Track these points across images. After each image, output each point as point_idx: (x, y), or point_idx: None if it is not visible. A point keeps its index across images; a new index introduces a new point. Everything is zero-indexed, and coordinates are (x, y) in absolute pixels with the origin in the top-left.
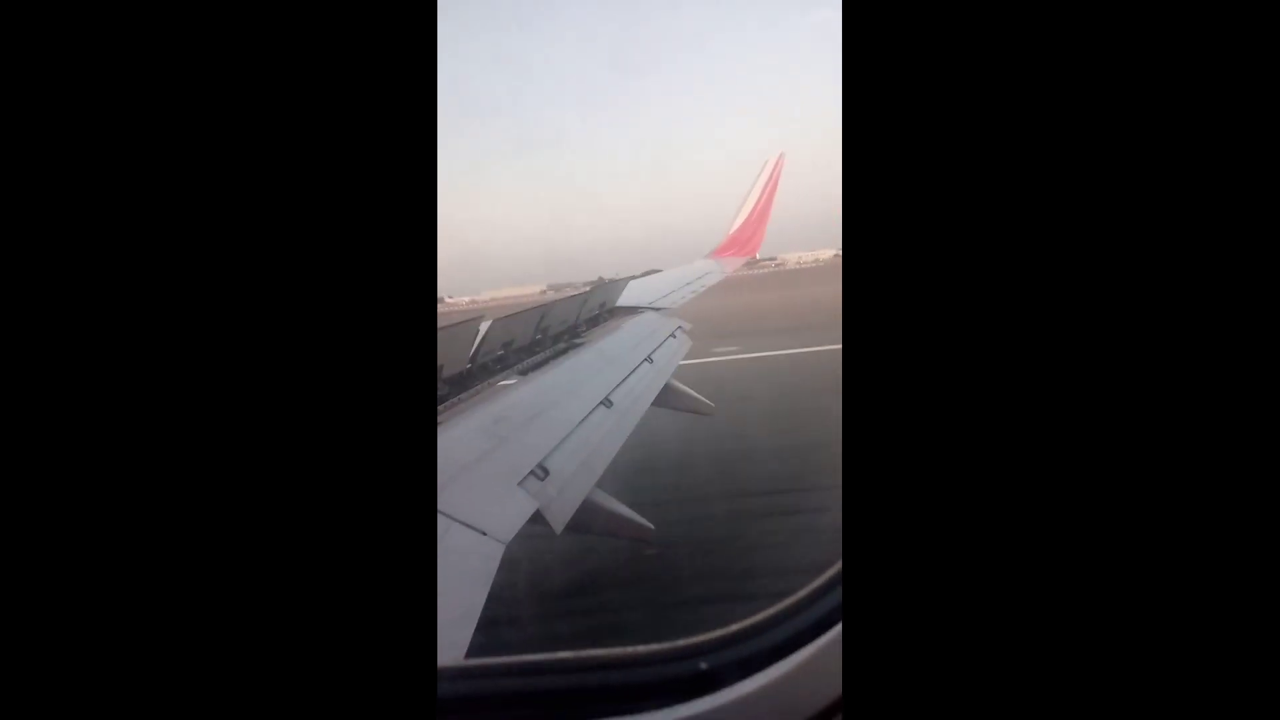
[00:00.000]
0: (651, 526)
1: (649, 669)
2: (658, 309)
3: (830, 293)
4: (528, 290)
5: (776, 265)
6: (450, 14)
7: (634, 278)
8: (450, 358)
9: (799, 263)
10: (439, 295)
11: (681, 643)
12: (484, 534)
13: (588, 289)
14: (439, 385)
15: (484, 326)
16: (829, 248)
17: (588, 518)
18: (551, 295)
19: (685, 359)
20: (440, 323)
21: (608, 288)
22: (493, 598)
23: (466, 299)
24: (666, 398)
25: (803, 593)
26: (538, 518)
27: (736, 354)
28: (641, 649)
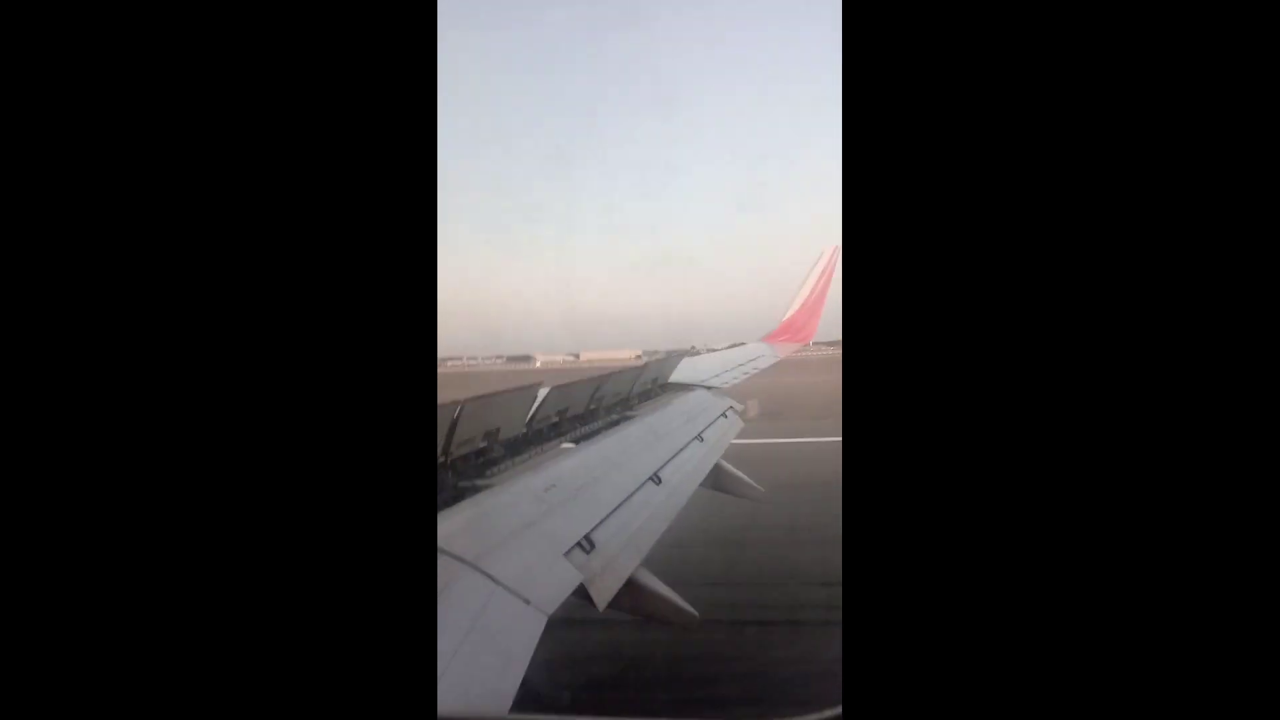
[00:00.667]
0: (696, 614)
1: None
2: (710, 388)
3: None
4: (622, 353)
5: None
6: (557, 87)
7: (687, 354)
8: (508, 421)
9: None
10: (549, 354)
11: None
12: (528, 602)
13: (666, 357)
14: (495, 447)
15: (542, 392)
16: None
17: (631, 597)
18: (643, 359)
19: (736, 439)
20: (546, 379)
21: (661, 363)
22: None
23: (560, 357)
24: (716, 478)
25: None
26: (581, 591)
27: (790, 439)
28: None
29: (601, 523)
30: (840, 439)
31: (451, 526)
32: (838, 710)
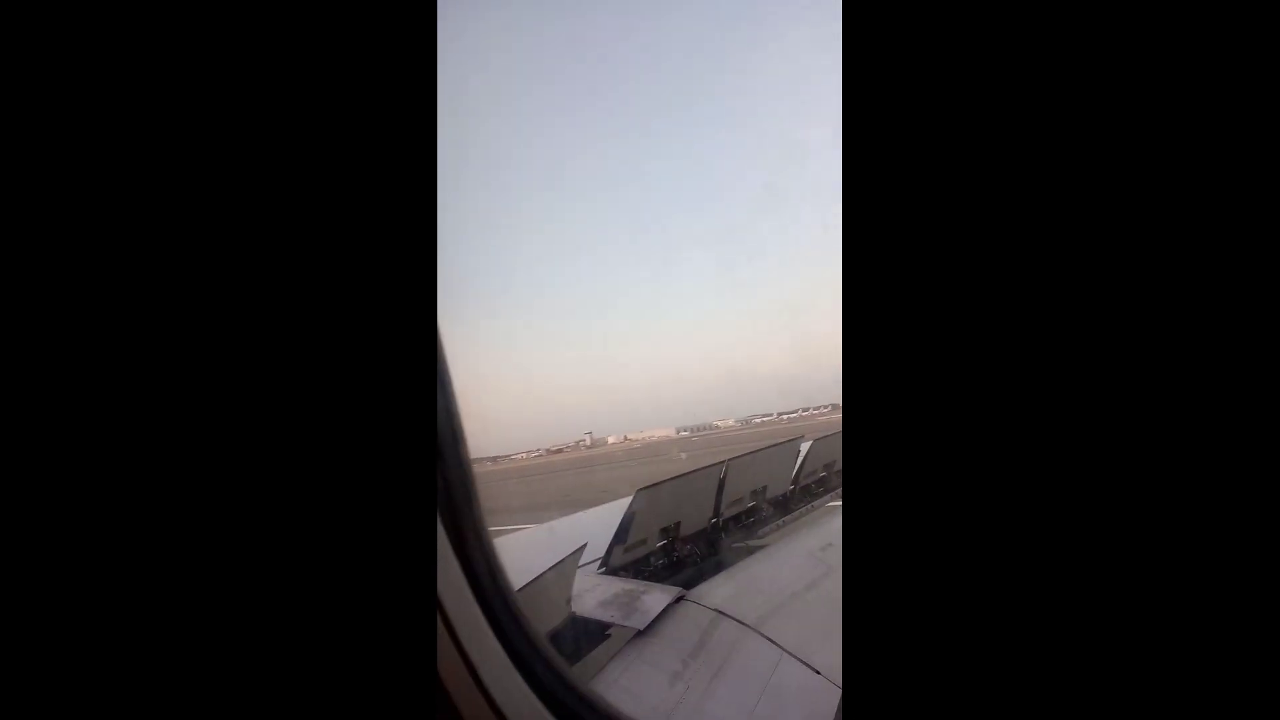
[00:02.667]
0: None
1: None
2: None
3: None
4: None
5: None
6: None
7: None
8: (773, 478)
9: None
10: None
11: None
12: (818, 672)
13: None
14: (764, 506)
15: (804, 447)
16: None
17: None
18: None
19: None
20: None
21: None
22: None
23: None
24: None
25: None
26: None
27: None
28: None
29: None
30: None
31: (730, 588)
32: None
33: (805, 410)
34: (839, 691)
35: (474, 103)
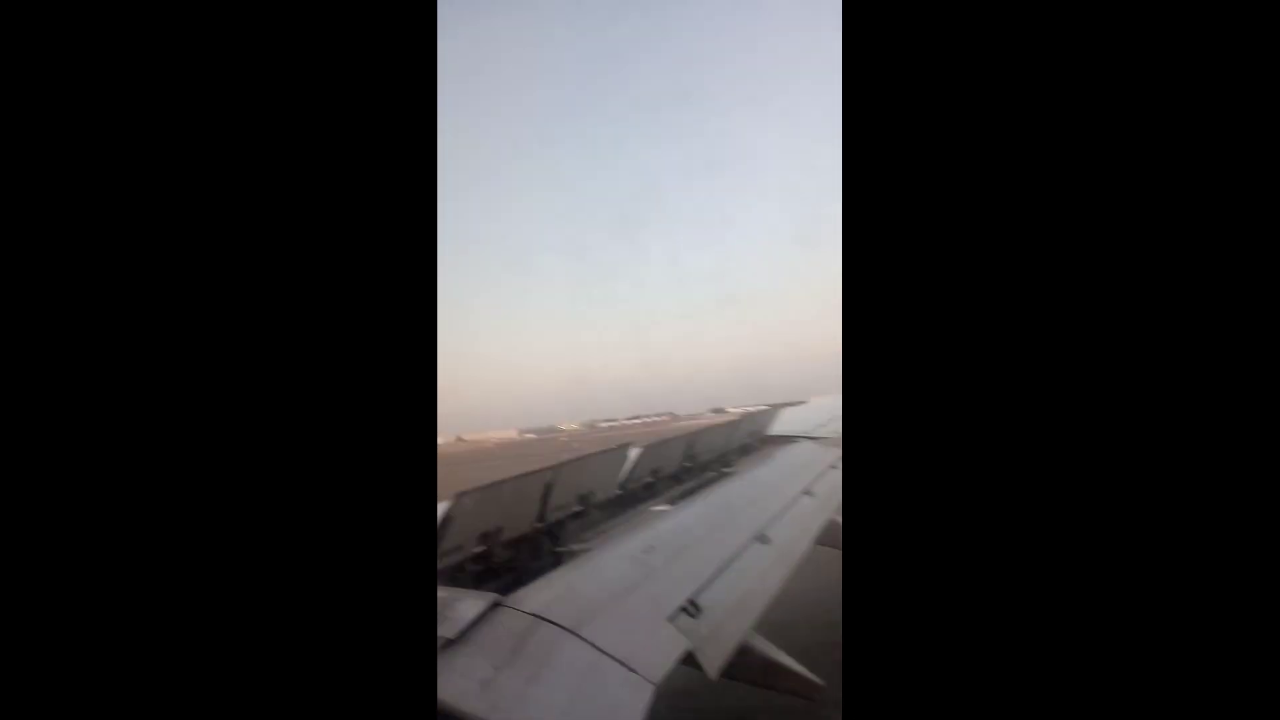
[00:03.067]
0: (821, 683)
1: None
2: (815, 439)
3: None
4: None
5: None
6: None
7: (787, 405)
8: (601, 483)
9: None
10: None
11: None
12: (633, 671)
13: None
14: (590, 511)
15: (634, 453)
16: None
17: (746, 664)
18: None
19: None
20: (601, 445)
21: (759, 415)
22: None
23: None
24: (832, 535)
25: None
26: (690, 659)
27: None
28: None
29: (707, 585)
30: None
31: (549, 592)
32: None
33: (650, 417)
34: (652, 687)
35: (474, 102)
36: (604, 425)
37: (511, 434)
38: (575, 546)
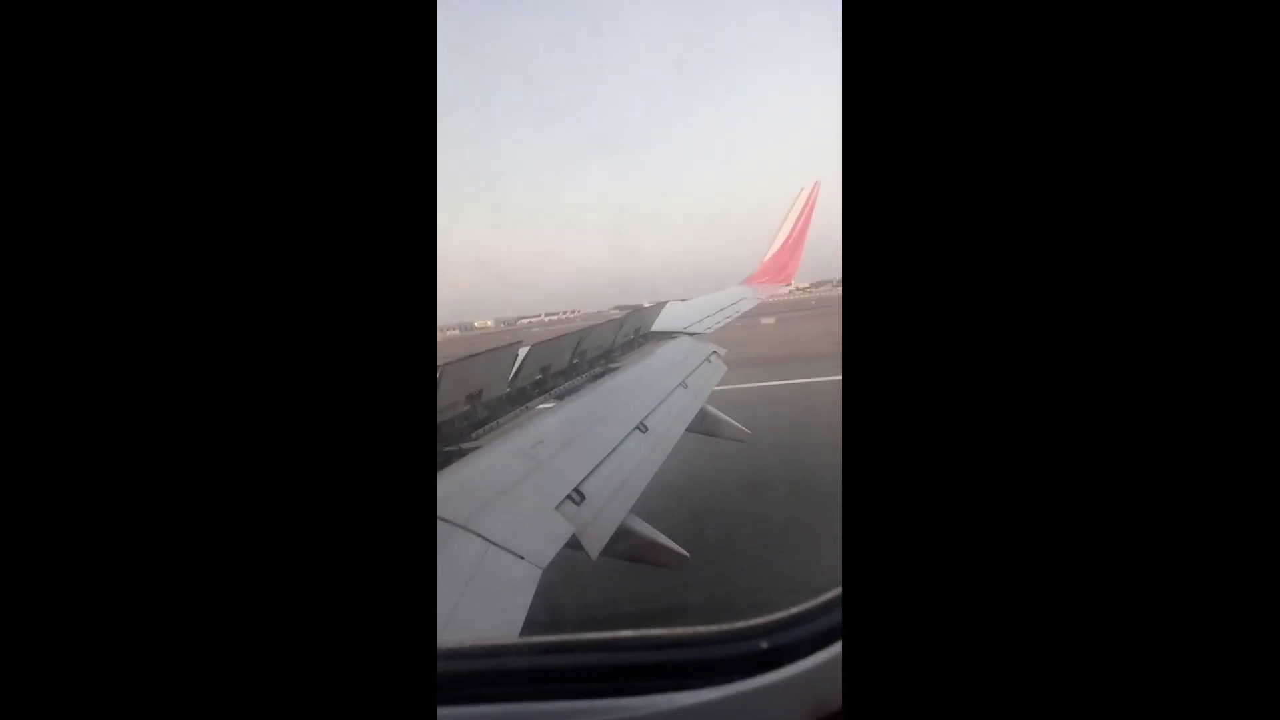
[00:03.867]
0: (686, 554)
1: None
2: (692, 334)
3: None
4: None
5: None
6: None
7: (669, 302)
8: (489, 382)
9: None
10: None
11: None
12: (521, 558)
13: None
14: (479, 409)
15: (522, 351)
16: None
17: (623, 544)
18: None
19: (721, 385)
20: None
21: (643, 313)
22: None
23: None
24: (702, 423)
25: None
26: (574, 543)
27: (772, 381)
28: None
29: (590, 474)
30: (820, 379)
31: (442, 490)
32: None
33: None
34: (539, 571)
35: (474, 102)
36: (522, 322)
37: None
38: (465, 445)
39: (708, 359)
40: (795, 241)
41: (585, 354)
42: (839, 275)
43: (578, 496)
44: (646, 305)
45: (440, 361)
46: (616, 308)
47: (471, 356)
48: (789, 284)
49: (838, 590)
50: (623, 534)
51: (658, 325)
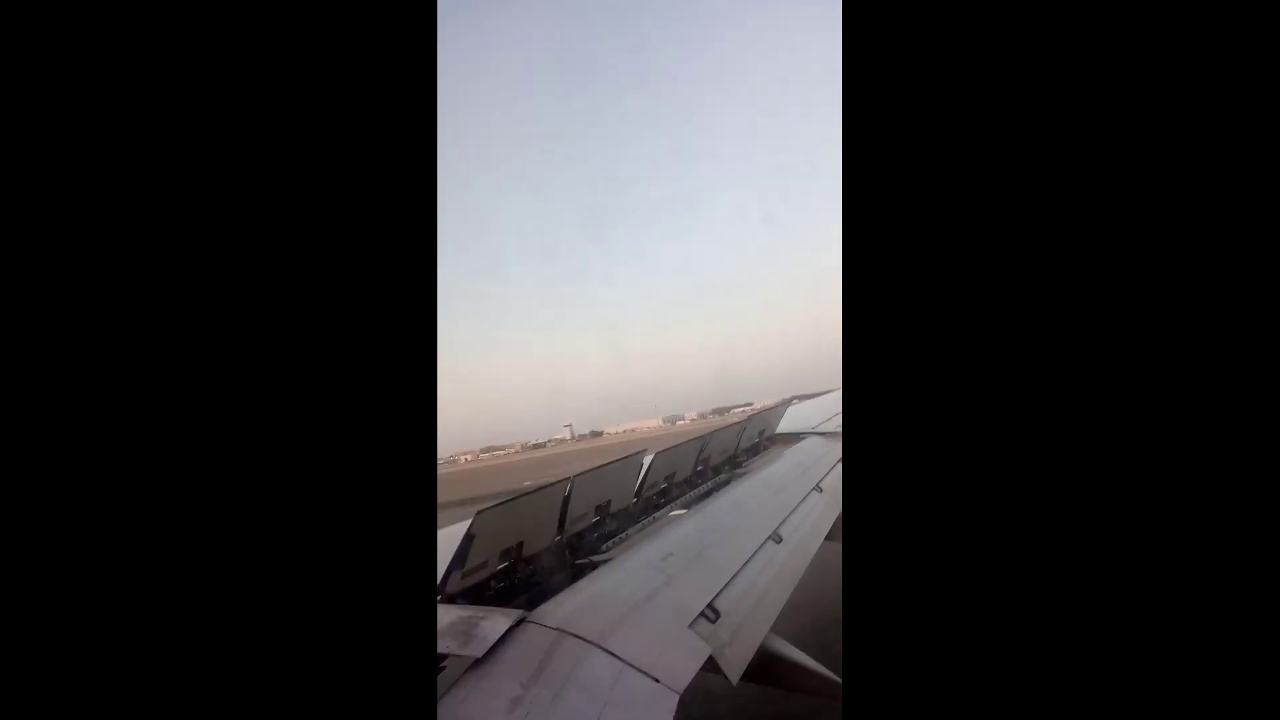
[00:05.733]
0: (839, 680)
1: None
2: (821, 434)
3: None
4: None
5: None
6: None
7: (792, 401)
8: (616, 492)
9: None
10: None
11: None
12: (656, 681)
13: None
14: (608, 521)
15: (647, 460)
16: None
17: (765, 666)
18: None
19: None
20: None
21: (766, 414)
22: None
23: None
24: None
25: None
26: (711, 664)
27: None
28: None
29: (724, 589)
30: None
31: (572, 605)
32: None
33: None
34: (676, 696)
35: (474, 102)
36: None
37: (656, 423)
38: (595, 557)
39: (840, 460)
40: None
41: (709, 460)
42: None
43: (712, 614)
44: (767, 406)
45: (570, 473)
46: (715, 411)
47: (598, 468)
48: None
49: None
50: (764, 655)
51: (783, 426)
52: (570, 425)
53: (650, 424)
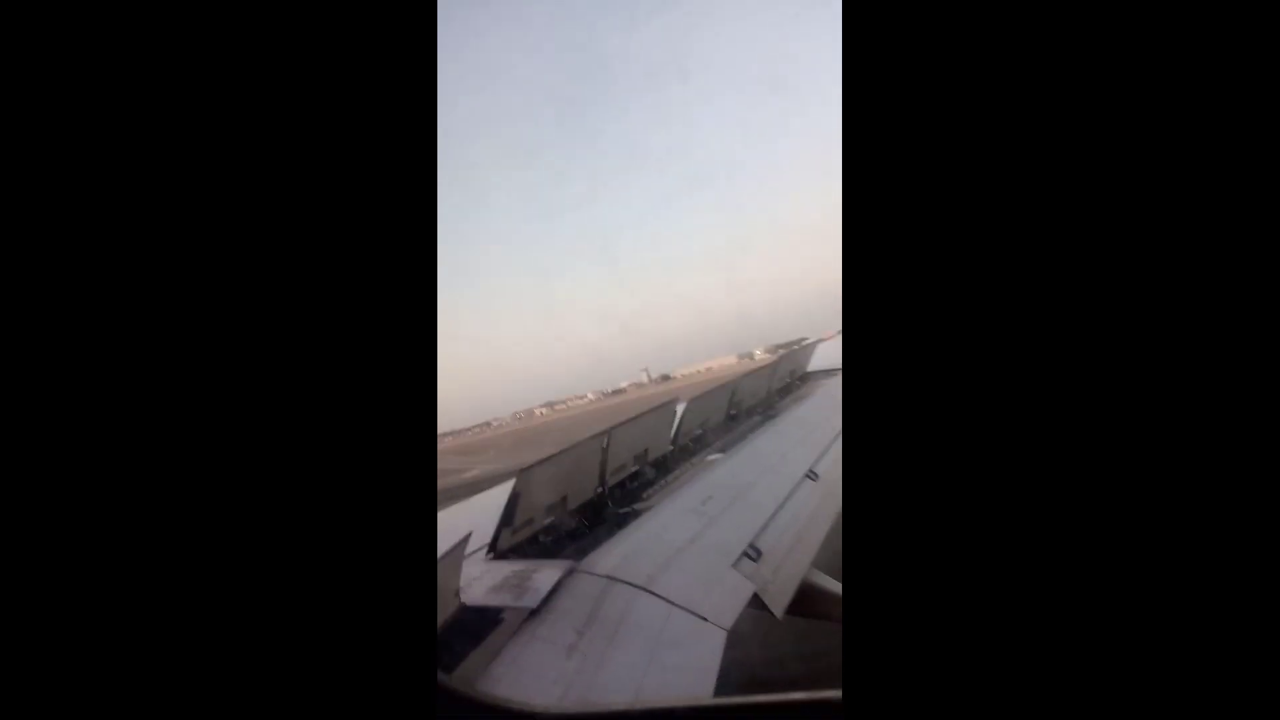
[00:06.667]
0: None
1: None
2: None
3: None
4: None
5: None
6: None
7: (821, 340)
8: (653, 441)
9: None
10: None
11: None
12: (705, 619)
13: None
14: (646, 469)
15: (680, 408)
16: None
17: (809, 600)
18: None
19: None
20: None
21: (796, 354)
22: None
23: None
24: None
25: None
26: (757, 602)
27: None
28: None
29: (765, 528)
30: None
31: (618, 553)
32: (838, 694)
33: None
34: (724, 633)
35: (474, 102)
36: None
37: (731, 360)
38: (637, 506)
39: None
40: None
41: (742, 404)
42: None
43: (754, 553)
44: (796, 347)
45: (608, 425)
46: (765, 350)
47: (633, 419)
48: None
49: None
50: (806, 589)
51: (813, 365)
52: (647, 369)
53: (726, 361)
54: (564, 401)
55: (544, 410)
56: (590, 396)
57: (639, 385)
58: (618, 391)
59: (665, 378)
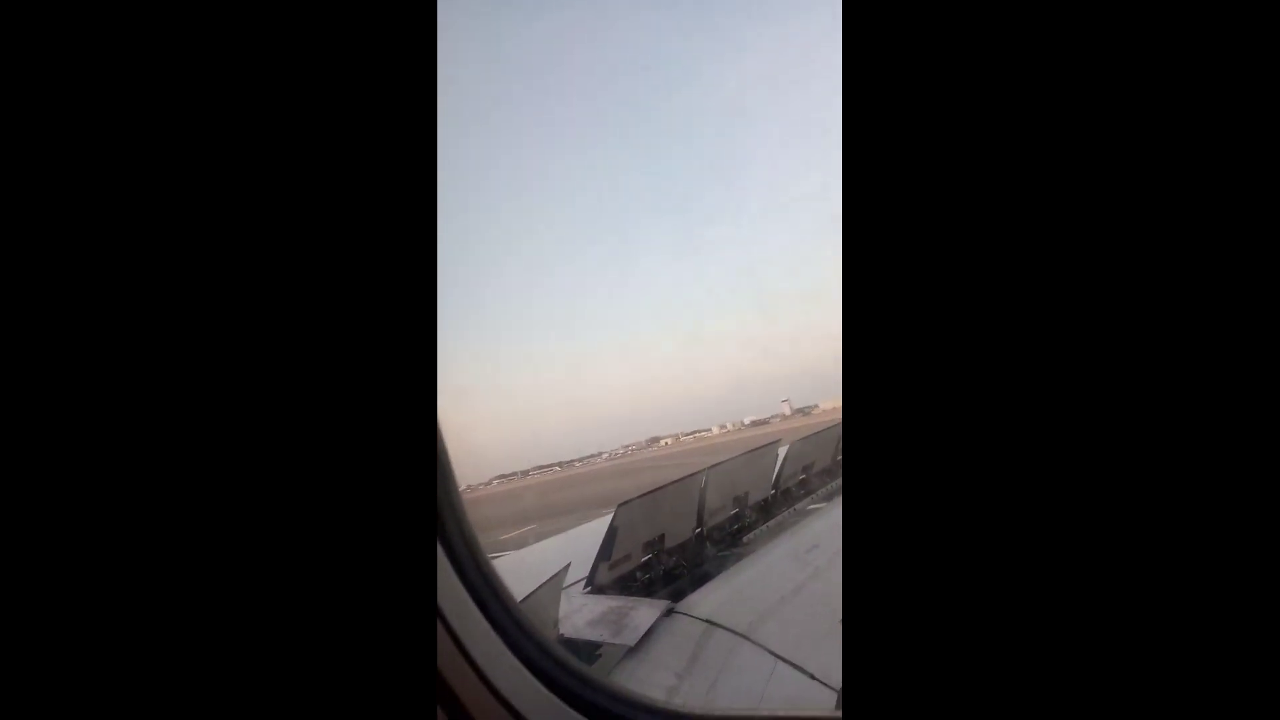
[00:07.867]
0: None
1: None
2: None
3: None
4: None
5: None
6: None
7: None
8: (753, 485)
9: None
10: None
11: None
12: (814, 678)
13: None
14: (746, 513)
15: (782, 450)
16: None
17: None
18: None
19: None
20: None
21: None
22: None
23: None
24: None
25: None
26: None
27: None
28: None
29: None
30: None
31: (718, 597)
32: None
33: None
34: (834, 694)
35: (474, 103)
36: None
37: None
38: (737, 549)
39: None
40: None
41: None
42: None
43: None
44: None
45: (705, 468)
46: (798, 410)
47: (733, 459)
48: None
49: None
50: None
51: None
52: (788, 400)
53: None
54: (705, 430)
55: (680, 438)
56: (728, 426)
57: (783, 417)
58: (758, 423)
59: (803, 411)
